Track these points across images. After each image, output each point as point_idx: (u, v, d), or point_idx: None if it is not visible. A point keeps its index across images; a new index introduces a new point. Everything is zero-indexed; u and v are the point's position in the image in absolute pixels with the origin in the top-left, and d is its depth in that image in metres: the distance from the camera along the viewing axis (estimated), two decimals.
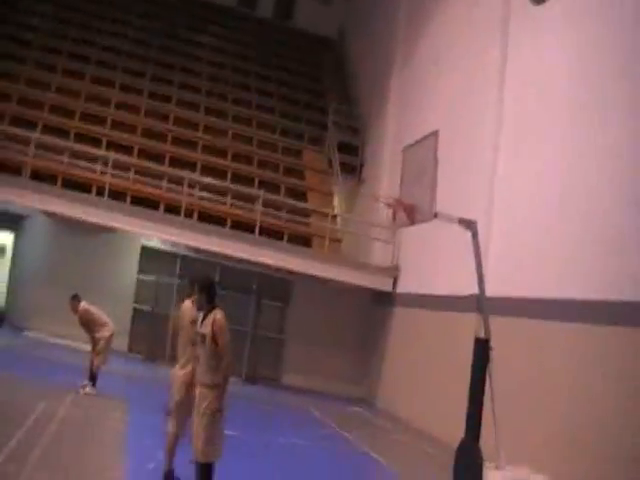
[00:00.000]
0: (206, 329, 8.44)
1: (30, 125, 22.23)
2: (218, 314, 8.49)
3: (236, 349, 22.58)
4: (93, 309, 15.35)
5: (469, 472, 11.29)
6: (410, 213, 12.36)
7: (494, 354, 11.54)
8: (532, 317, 14.76)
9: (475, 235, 11.77)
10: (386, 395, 21.63)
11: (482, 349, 11.61)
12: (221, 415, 8.36)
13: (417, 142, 12.89)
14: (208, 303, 8.67)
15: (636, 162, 12.66)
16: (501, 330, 12.97)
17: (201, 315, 8.75)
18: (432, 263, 19.69)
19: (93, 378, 14.83)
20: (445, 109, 19.94)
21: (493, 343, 11.61)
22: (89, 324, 15.22)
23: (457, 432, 12.01)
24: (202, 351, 8.49)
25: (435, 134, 12.07)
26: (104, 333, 15.18)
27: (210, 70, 30.22)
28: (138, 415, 13.57)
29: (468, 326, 14.55)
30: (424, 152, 12.40)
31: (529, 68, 16.45)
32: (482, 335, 11.84)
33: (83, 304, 15.19)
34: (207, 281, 8.91)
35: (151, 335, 21.87)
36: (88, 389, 14.63)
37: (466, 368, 12.14)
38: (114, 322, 15.58)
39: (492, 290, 14.80)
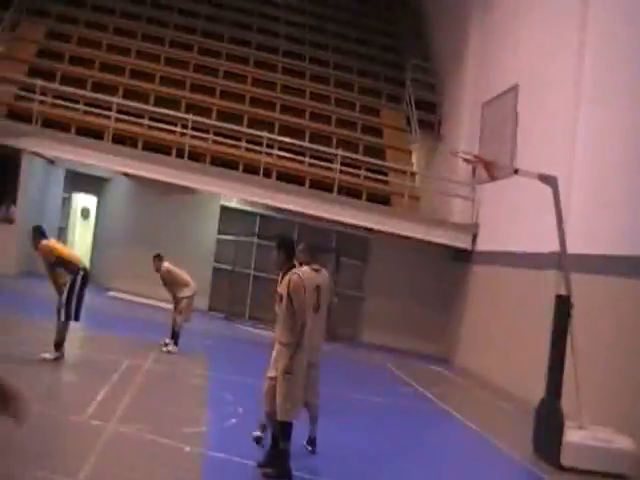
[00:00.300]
0: (283, 288, 8.36)
1: (111, 90, 22.70)
2: (294, 274, 8.35)
3: None
4: (175, 269, 15.54)
5: (550, 430, 11.26)
6: (490, 169, 12.27)
7: (575, 311, 11.43)
8: (615, 275, 14.38)
9: (556, 191, 11.62)
10: (465, 353, 21.57)
11: (563, 306, 11.53)
12: (293, 377, 8.17)
13: (496, 97, 12.78)
14: (287, 262, 8.57)
15: None
16: (582, 288, 12.80)
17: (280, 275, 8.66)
18: (512, 220, 19.43)
19: (175, 336, 15.06)
20: (525, 64, 19.52)
21: (574, 300, 11.49)
22: (171, 283, 15.42)
23: (536, 390, 11.99)
24: (279, 310, 8.45)
25: (515, 88, 11.94)
26: (186, 293, 15.35)
27: (287, 30, 30.28)
28: (219, 372, 13.80)
29: (548, 283, 14.52)
30: (504, 107, 12.29)
31: (611, 23, 15.99)
32: (563, 292, 11.75)
33: (166, 264, 15.41)
34: (287, 240, 8.86)
35: (231, 294, 22.19)
36: (170, 347, 14.87)
37: (545, 326, 12.09)
38: (195, 282, 15.77)
39: (572, 247, 14.69)
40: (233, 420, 10.31)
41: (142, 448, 8.48)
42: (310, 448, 9.42)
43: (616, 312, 14.15)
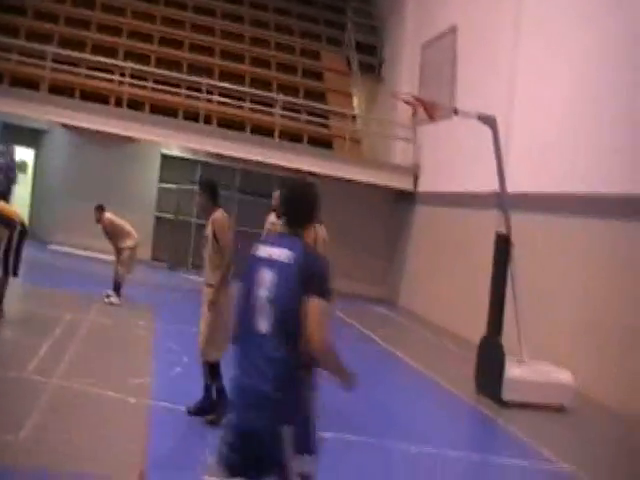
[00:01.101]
0: (208, 229, 8.38)
1: (46, 39, 22.09)
2: (218, 213, 8.34)
3: None
4: (117, 219, 15.43)
5: (491, 366, 11.50)
6: (430, 110, 12.30)
7: (515, 250, 11.61)
8: (554, 213, 14.73)
9: (495, 131, 11.71)
10: (408, 294, 21.83)
11: (503, 244, 11.71)
12: (218, 310, 8.09)
13: (436, 38, 12.78)
14: (212, 204, 8.50)
15: None
16: (523, 226, 13.09)
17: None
18: (453, 161, 19.60)
19: (118, 288, 14.96)
20: (464, 4, 19.57)
21: (514, 239, 11.69)
22: (113, 235, 15.31)
23: (479, 329, 12.18)
24: (206, 252, 8.43)
25: (454, 30, 11.95)
26: (128, 243, 15.25)
27: None
28: (164, 322, 13.80)
29: (489, 223, 14.66)
30: (443, 48, 12.30)
31: None
32: (503, 231, 11.93)
33: (107, 215, 15.28)
34: (209, 182, 8.73)
35: (174, 243, 22.10)
36: (113, 298, 14.76)
37: (487, 266, 12.24)
38: (137, 232, 15.67)
39: (513, 186, 14.85)
40: (178, 369, 10.34)
41: (87, 402, 8.44)
42: None
43: (558, 249, 14.45)
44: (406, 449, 8.48)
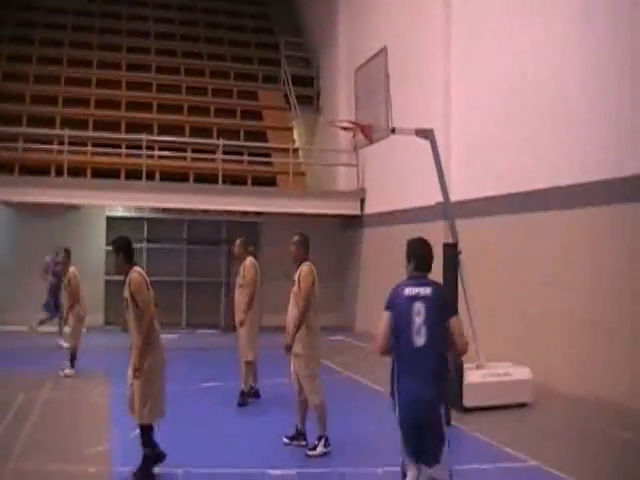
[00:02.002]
0: (126, 292, 8.09)
1: None
2: (133, 273, 8.06)
3: (211, 299, 22.70)
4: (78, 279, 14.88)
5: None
6: (367, 132, 12.45)
7: (463, 257, 11.74)
8: (499, 214, 15.17)
9: (433, 143, 11.86)
10: (364, 317, 21.91)
11: (451, 253, 11.78)
12: (148, 375, 8.06)
13: (367, 61, 12.94)
14: (127, 264, 8.19)
15: (583, 45, 12.96)
16: (472, 231, 13.70)
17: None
18: (397, 179, 19.82)
19: (72, 358, 14.48)
20: (395, 26, 19.87)
21: (464, 246, 11.89)
22: (74, 291, 14.68)
23: None
24: (128, 316, 8.18)
25: (384, 50, 12.09)
26: (80, 312, 14.75)
27: (157, 27, 30.21)
28: (119, 386, 13.52)
29: (439, 234, 14.85)
30: (375, 70, 12.43)
31: None
32: (450, 240, 12.06)
33: (73, 268, 14.84)
34: (121, 241, 8.37)
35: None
36: (67, 370, 14.35)
37: (439, 277, 12.32)
38: (88, 299, 15.40)
39: (458, 194, 15.17)
40: (137, 431, 10.31)
41: (46, 479, 8.29)
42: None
43: (502, 247, 14.90)
44: (372, 472, 8.53)
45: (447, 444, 5.98)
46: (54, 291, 18.15)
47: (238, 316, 12.33)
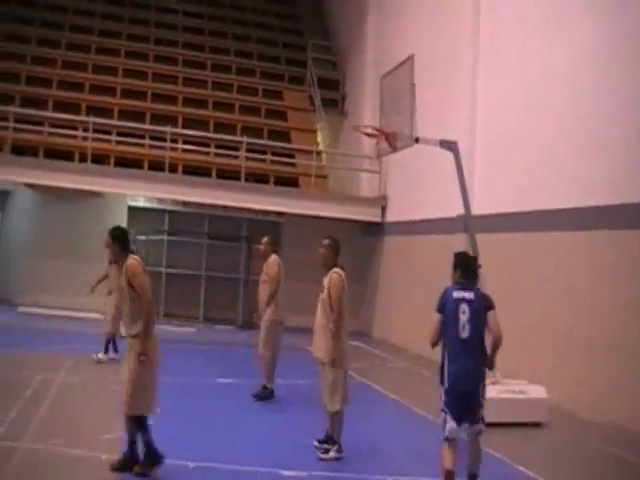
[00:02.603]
0: (122, 279, 8.12)
1: (7, 100, 22.11)
2: (130, 260, 8.07)
3: (229, 295, 22.67)
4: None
5: None
6: (391, 140, 12.45)
7: (483, 271, 11.68)
8: (520, 230, 14.97)
9: (457, 155, 11.81)
10: (382, 325, 21.82)
11: None
12: (146, 363, 7.93)
13: (394, 69, 12.91)
14: (122, 252, 8.25)
15: (612, 63, 12.74)
16: (492, 246, 13.50)
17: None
18: (419, 189, 19.75)
19: (111, 344, 14.64)
20: (422, 34, 19.82)
21: (484, 260, 11.74)
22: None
23: None
24: (126, 305, 8.18)
25: (411, 59, 12.07)
26: (116, 302, 14.33)
27: (185, 21, 30.24)
28: None
29: (458, 247, 14.79)
30: (401, 78, 12.42)
31: None
32: (470, 253, 12.01)
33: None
34: (117, 231, 8.45)
35: None
36: (100, 355, 14.50)
37: None
38: (108, 285, 15.36)
39: (480, 208, 15.05)
40: (150, 422, 10.28)
41: (57, 463, 8.27)
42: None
43: (522, 264, 14.74)
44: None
45: (484, 408, 7.92)
46: None
47: (261, 312, 12.45)
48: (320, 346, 9.37)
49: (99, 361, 14.46)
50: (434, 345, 8.00)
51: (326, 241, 9.69)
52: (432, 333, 7.97)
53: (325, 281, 9.43)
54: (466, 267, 8.12)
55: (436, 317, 7.95)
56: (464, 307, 7.74)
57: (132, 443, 8.12)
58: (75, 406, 11.24)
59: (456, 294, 7.84)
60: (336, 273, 9.39)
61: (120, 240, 8.32)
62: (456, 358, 7.71)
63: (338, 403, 9.18)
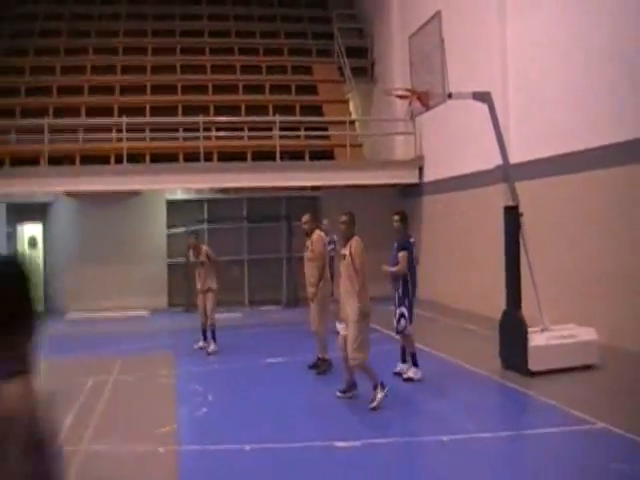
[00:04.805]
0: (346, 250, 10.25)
1: (41, 112, 22.30)
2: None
3: (272, 276, 22.66)
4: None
5: (514, 339, 11.46)
6: (424, 99, 12.33)
7: (524, 219, 11.61)
8: (560, 173, 14.77)
9: (491, 106, 11.70)
10: (425, 284, 21.40)
11: (512, 216, 11.71)
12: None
13: (421, 27, 12.75)
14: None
15: None
16: (534, 192, 13.49)
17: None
18: (455, 145, 19.59)
19: (209, 334, 14.78)
20: None
21: (523, 208, 11.71)
22: (210, 267, 14.90)
23: (499, 306, 12.15)
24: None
25: (438, 15, 11.89)
26: (215, 282, 14.96)
27: (210, 9, 30.36)
28: (185, 365, 13.68)
29: (498, 198, 14.70)
30: (429, 35, 12.24)
31: None
32: (510, 203, 11.94)
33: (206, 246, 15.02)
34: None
35: (187, 285, 20.99)
36: (212, 347, 14.63)
37: (500, 241, 12.23)
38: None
39: (517, 157, 14.90)
40: (204, 409, 10.32)
41: (117, 460, 8.38)
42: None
43: (568, 208, 14.49)
44: (437, 439, 8.55)
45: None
46: None
47: (309, 290, 12.59)
48: (348, 309, 10.03)
49: (210, 352, 14.49)
50: None
51: (343, 217, 10.36)
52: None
53: (346, 250, 10.17)
54: None
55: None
56: None
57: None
58: (128, 404, 11.26)
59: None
60: (355, 241, 10.17)
61: None
62: None
63: (365, 353, 9.91)
